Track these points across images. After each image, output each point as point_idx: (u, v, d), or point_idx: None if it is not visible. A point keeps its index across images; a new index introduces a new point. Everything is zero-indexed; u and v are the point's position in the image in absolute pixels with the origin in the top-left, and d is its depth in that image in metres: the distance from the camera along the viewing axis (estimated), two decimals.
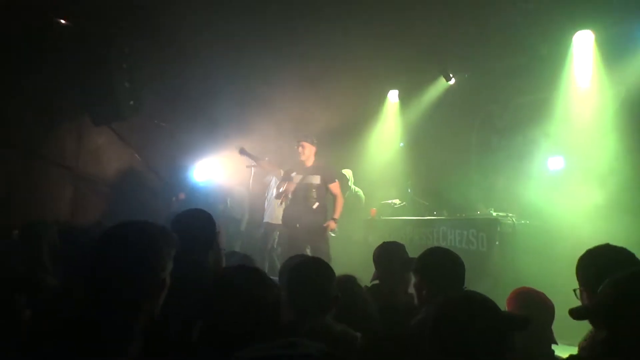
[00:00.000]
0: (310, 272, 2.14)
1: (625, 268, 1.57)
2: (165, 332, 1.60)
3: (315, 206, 5.49)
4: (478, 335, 1.36)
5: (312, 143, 5.64)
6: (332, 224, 5.49)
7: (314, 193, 5.50)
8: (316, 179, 5.56)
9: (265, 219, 6.90)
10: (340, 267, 3.23)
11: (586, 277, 1.94)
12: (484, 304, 1.42)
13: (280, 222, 6.61)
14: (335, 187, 5.65)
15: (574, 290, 2.00)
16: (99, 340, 1.31)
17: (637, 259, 1.89)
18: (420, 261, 2.50)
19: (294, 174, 5.68)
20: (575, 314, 1.62)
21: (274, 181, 7.01)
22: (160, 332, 1.51)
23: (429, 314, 1.99)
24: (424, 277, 2.43)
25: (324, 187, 5.58)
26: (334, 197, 5.63)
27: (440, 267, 2.41)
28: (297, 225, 5.48)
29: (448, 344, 1.37)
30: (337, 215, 5.56)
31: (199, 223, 2.49)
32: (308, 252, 5.40)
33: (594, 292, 1.73)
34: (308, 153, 5.60)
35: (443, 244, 5.45)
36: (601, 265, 1.87)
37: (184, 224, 2.45)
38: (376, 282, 3.01)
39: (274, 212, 6.67)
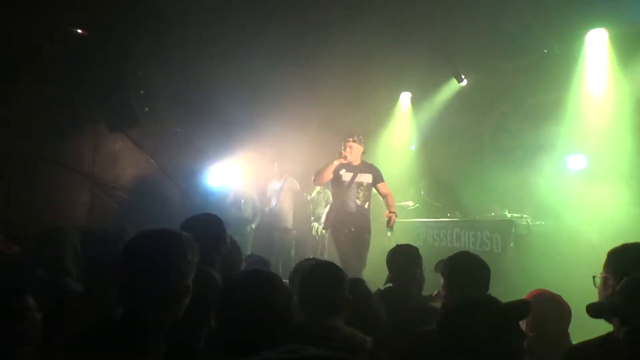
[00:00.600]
0: (322, 276, 2.15)
1: None
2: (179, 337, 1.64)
3: (366, 206, 5.30)
4: (480, 335, 1.37)
5: (359, 142, 5.37)
6: (394, 217, 5.17)
7: (363, 194, 5.27)
8: (368, 178, 5.32)
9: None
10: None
11: (614, 265, 1.94)
12: (480, 303, 1.44)
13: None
14: (385, 186, 5.42)
15: (594, 277, 2.00)
16: (125, 342, 1.35)
17: None
18: (447, 264, 2.51)
19: (342, 172, 5.32)
20: (593, 311, 1.62)
21: (279, 185, 7.11)
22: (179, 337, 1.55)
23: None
24: (448, 280, 2.45)
25: (371, 187, 5.36)
26: (385, 196, 5.38)
27: (464, 271, 2.42)
28: (352, 229, 5.19)
29: (453, 348, 1.38)
30: (394, 209, 5.28)
31: (208, 228, 2.51)
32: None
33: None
34: (356, 153, 5.31)
35: (457, 246, 5.43)
36: (632, 257, 1.87)
37: (191, 229, 2.48)
38: (389, 285, 3.01)
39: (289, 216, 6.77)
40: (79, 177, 5.97)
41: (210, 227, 2.53)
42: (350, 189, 5.24)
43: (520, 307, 1.50)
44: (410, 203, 6.91)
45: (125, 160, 6.57)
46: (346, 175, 5.28)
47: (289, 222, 7.25)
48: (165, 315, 1.45)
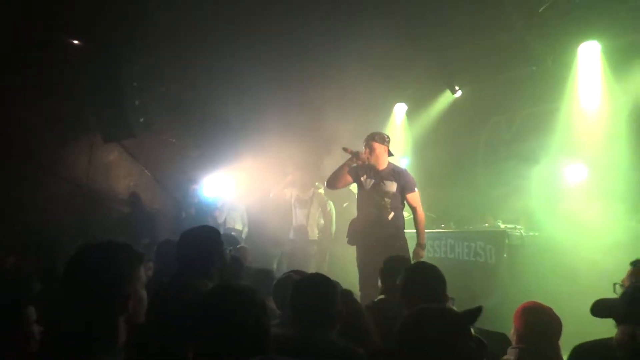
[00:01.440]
0: (314, 288, 2.15)
1: None
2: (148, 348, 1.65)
3: (390, 217, 4.50)
4: (434, 344, 1.39)
5: (382, 142, 4.57)
6: (421, 253, 4.48)
7: (388, 203, 4.49)
8: (392, 186, 4.50)
9: (291, 236, 6.73)
10: (346, 280, 3.24)
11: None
12: (433, 313, 1.47)
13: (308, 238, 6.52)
14: (413, 197, 4.55)
15: (614, 285, 2.01)
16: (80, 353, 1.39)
17: None
18: (402, 276, 2.54)
19: (363, 178, 4.62)
20: (597, 311, 1.64)
21: (293, 196, 7.00)
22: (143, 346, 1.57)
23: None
24: (404, 291, 2.47)
25: (399, 197, 4.52)
26: (413, 209, 4.59)
27: (418, 282, 2.44)
28: (374, 244, 4.38)
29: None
30: (423, 240, 4.53)
31: (203, 240, 2.51)
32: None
33: None
34: (378, 155, 4.53)
35: (451, 257, 5.42)
36: None
37: (188, 241, 2.48)
38: (382, 296, 3.01)
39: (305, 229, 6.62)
40: (72, 187, 5.96)
41: (206, 239, 2.53)
42: (370, 197, 4.51)
43: (471, 313, 1.52)
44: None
45: (119, 171, 6.57)
46: (367, 182, 4.56)
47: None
48: (112, 319, 1.48)
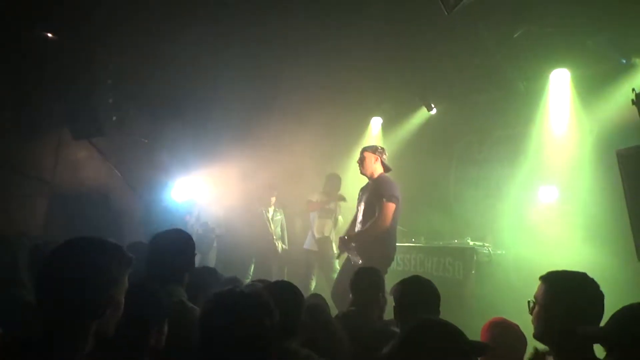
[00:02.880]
0: (276, 298, 2.14)
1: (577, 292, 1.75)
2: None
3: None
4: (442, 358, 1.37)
5: (373, 151, 4.54)
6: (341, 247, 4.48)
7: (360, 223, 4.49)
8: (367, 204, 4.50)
9: (305, 246, 6.73)
10: (318, 290, 3.22)
11: (543, 293, 1.99)
12: (446, 329, 1.44)
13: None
14: (381, 206, 4.31)
15: (528, 302, 2.05)
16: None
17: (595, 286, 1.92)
18: (398, 288, 2.54)
19: (360, 194, 4.68)
20: (585, 335, 1.66)
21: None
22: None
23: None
24: (400, 304, 2.47)
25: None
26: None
27: (415, 295, 2.45)
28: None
29: None
30: (355, 237, 4.45)
31: (177, 244, 2.46)
32: None
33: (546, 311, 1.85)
34: (367, 165, 4.51)
35: (420, 271, 5.48)
36: (559, 285, 1.94)
37: (160, 244, 2.43)
38: (352, 308, 3.00)
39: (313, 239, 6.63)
40: (37, 184, 5.76)
41: (179, 244, 2.48)
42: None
43: (479, 348, 1.52)
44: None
45: (87, 170, 6.38)
46: (362, 198, 4.71)
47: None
48: (82, 328, 1.38)
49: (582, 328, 1.70)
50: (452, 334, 1.42)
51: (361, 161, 4.51)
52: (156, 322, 1.82)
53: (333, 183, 6.74)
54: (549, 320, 1.91)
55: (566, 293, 1.89)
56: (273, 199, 7.16)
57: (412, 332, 1.44)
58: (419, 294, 2.48)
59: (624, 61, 5.15)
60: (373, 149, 4.57)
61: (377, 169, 4.53)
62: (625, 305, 1.62)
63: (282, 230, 7.31)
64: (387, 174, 4.61)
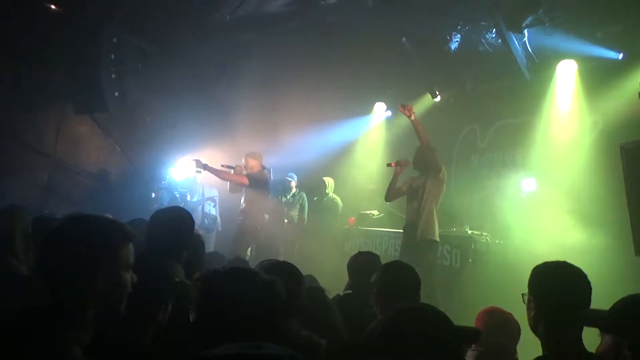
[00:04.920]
0: (283, 275, 2.15)
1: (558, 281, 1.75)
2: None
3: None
4: (429, 345, 1.36)
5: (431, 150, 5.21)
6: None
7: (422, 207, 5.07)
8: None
9: None
10: (314, 272, 3.24)
11: (533, 286, 1.98)
12: (436, 315, 1.43)
13: None
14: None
15: (522, 295, 2.05)
16: (45, 331, 1.30)
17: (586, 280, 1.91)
18: (380, 272, 2.54)
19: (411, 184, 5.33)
20: (590, 320, 1.67)
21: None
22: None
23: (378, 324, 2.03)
24: (380, 288, 2.47)
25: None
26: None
27: (396, 280, 2.45)
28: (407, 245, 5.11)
29: (397, 353, 1.36)
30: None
31: (177, 222, 2.46)
32: None
33: (537, 301, 1.85)
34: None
35: None
36: (550, 277, 1.93)
37: (161, 221, 2.43)
38: (349, 291, 3.02)
39: None
40: (38, 157, 5.76)
41: (180, 222, 2.48)
42: (410, 202, 5.26)
43: (469, 335, 1.52)
44: (375, 212, 6.97)
45: (89, 145, 6.38)
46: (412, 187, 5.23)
47: None
48: (91, 305, 1.38)
49: (588, 311, 1.70)
50: (441, 319, 1.41)
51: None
52: (165, 298, 1.84)
53: None
54: (535, 311, 1.90)
55: (548, 283, 1.88)
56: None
57: (397, 317, 1.42)
58: (399, 279, 2.47)
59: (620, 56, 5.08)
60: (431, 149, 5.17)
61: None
62: (631, 294, 1.60)
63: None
64: None
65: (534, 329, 1.91)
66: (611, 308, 1.56)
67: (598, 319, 1.59)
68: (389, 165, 5.29)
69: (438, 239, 4.96)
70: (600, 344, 1.59)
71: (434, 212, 4.96)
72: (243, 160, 5.93)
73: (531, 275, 1.98)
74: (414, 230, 4.94)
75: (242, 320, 1.50)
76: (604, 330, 1.57)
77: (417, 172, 5.25)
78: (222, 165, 5.94)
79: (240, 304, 1.53)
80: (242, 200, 6.12)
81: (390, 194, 5.30)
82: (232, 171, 5.88)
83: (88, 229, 1.43)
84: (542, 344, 1.88)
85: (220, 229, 7.43)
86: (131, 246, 1.48)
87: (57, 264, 1.37)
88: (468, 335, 1.49)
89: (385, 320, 1.45)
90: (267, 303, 1.58)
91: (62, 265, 1.37)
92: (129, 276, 1.47)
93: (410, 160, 5.20)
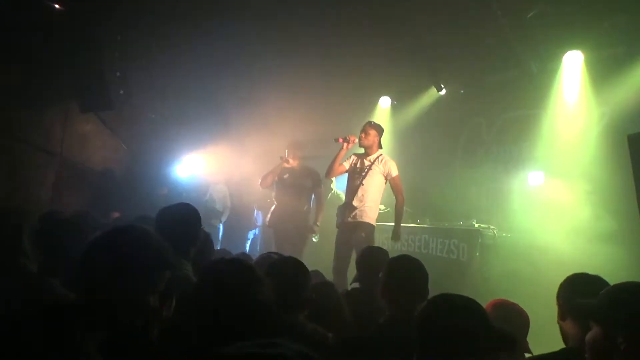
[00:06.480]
0: (284, 272, 2.17)
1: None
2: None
3: (363, 206, 5.00)
4: (466, 335, 1.44)
5: (377, 129, 5.06)
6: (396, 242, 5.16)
7: (365, 192, 5.02)
8: (377, 175, 5.06)
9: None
10: (319, 266, 3.25)
11: (563, 297, 1.98)
12: (479, 310, 1.54)
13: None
14: (395, 181, 5.14)
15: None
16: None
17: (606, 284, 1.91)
18: (386, 267, 2.52)
19: (354, 164, 5.15)
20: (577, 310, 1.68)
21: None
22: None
23: (393, 317, 2.03)
24: (387, 282, 2.45)
25: (381, 187, 5.16)
26: (396, 194, 5.23)
27: (403, 274, 2.43)
28: (344, 228, 5.08)
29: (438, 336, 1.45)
30: (398, 229, 5.12)
31: (184, 219, 2.47)
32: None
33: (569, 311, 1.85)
34: (372, 139, 5.05)
35: (424, 252, 5.50)
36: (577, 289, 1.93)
37: (167, 218, 2.43)
38: (356, 285, 3.02)
39: None
40: (46, 156, 5.78)
41: (187, 218, 2.49)
42: (352, 184, 5.17)
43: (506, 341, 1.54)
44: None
45: (95, 143, 6.40)
46: (356, 169, 5.13)
47: None
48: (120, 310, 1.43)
49: (579, 300, 1.70)
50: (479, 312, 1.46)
51: (366, 135, 4.93)
52: (172, 293, 1.85)
53: None
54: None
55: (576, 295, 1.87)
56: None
57: (436, 305, 1.51)
58: (406, 272, 2.45)
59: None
60: (378, 128, 5.01)
61: (377, 146, 5.04)
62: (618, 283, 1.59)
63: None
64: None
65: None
66: (601, 298, 1.54)
67: (589, 311, 1.59)
68: (336, 140, 5.04)
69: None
70: (590, 333, 1.57)
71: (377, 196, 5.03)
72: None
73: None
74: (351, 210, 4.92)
75: (239, 315, 1.52)
76: (594, 321, 1.56)
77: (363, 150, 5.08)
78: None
79: (237, 297, 1.57)
80: (303, 199, 5.87)
81: (331, 171, 5.13)
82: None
83: (144, 244, 1.49)
84: None
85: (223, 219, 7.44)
86: (168, 273, 1.54)
87: (103, 268, 1.42)
88: (504, 342, 1.52)
89: (428, 306, 1.52)
90: (261, 297, 1.60)
91: (109, 270, 1.41)
92: (154, 300, 1.52)
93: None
